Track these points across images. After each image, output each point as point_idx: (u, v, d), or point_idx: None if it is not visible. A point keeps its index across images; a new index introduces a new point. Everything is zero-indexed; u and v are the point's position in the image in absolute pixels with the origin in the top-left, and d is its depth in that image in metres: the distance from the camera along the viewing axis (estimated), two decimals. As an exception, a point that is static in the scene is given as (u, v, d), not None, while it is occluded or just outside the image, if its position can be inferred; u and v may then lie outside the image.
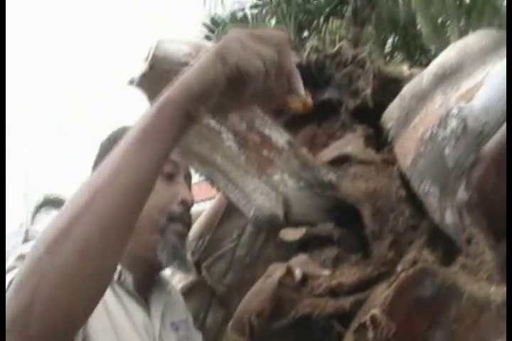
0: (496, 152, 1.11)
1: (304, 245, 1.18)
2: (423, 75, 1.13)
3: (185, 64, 1.23)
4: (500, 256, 1.08)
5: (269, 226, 1.23)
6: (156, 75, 1.23)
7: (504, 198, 1.06)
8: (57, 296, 0.65)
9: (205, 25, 8.82)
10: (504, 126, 1.16)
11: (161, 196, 1.08)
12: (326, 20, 7.08)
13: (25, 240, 7.05)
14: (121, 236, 0.69)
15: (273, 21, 7.77)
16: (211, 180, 1.28)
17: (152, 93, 1.27)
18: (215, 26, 8.64)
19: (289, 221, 1.20)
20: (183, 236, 1.09)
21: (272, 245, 1.26)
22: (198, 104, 0.71)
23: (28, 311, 0.65)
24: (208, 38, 8.24)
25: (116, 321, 0.98)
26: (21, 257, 0.85)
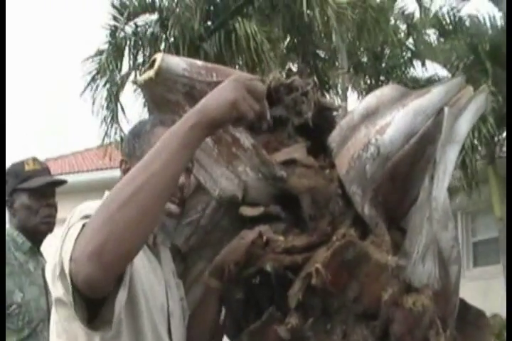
0: (391, 168, 1.66)
1: (255, 220, 1.64)
2: (354, 113, 1.65)
3: (182, 76, 1.60)
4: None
5: (228, 204, 1.66)
6: (158, 81, 1.59)
7: (398, 199, 1.62)
8: (123, 237, 1.04)
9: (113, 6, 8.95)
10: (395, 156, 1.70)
11: None
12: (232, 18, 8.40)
13: None
14: (160, 207, 1.12)
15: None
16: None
17: (152, 93, 1.63)
18: (123, 9, 8.91)
19: (245, 201, 1.65)
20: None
21: (227, 218, 1.69)
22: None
23: (104, 245, 1.02)
24: (115, 19, 8.86)
25: (137, 263, 1.34)
26: (86, 217, 1.19)
